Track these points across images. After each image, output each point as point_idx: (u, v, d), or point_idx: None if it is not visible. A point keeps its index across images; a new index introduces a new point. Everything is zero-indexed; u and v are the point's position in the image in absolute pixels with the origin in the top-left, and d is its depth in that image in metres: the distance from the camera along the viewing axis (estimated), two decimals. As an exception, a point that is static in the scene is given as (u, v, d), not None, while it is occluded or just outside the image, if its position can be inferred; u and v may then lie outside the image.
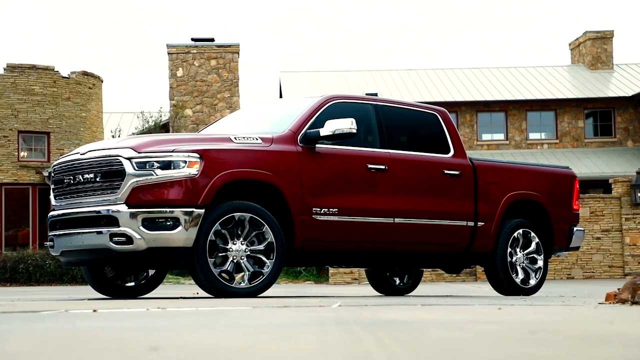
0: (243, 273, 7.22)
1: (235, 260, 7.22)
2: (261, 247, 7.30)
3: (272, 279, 7.34)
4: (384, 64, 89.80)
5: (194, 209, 7.01)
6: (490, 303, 6.25)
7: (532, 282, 9.44)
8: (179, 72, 31.01)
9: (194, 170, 7.03)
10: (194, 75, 31.03)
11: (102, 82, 28.91)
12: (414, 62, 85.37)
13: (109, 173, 7.15)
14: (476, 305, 5.78)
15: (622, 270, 23.38)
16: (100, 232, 7.12)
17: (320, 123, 7.90)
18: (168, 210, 6.99)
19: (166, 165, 7.03)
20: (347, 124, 7.66)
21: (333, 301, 6.19)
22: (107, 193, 7.14)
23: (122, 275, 8.41)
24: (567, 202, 9.96)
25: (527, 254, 9.46)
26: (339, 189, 7.90)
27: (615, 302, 5.86)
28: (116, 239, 7.04)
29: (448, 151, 9.01)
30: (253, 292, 7.24)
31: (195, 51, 31.16)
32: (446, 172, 8.81)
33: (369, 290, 11.72)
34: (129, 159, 7.06)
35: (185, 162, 7.04)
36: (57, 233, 7.64)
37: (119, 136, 29.88)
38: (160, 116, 31.35)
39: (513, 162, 10.29)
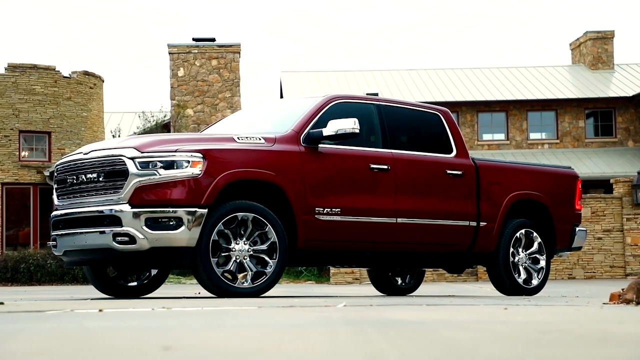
0: (246, 273, 7.21)
1: (238, 260, 7.21)
2: (264, 247, 7.29)
3: (274, 279, 7.33)
4: (384, 64, 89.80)
5: (197, 209, 6.99)
6: (494, 303, 6.25)
7: (535, 282, 9.42)
8: (180, 72, 31.01)
9: (197, 170, 7.02)
10: (195, 75, 31.02)
11: (103, 81, 28.91)
12: (414, 62, 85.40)
13: (112, 173, 7.14)
14: (481, 305, 5.78)
15: (624, 271, 23.37)
16: (103, 232, 7.11)
17: (322, 123, 7.88)
18: (171, 210, 6.97)
19: (169, 165, 7.02)
20: (349, 124, 7.65)
21: (338, 301, 6.19)
22: (110, 193, 7.12)
23: (125, 275, 8.40)
24: (569, 202, 9.95)
25: (529, 254, 9.45)
26: (342, 189, 7.89)
27: (620, 302, 5.85)
28: (119, 238, 7.03)
29: (450, 151, 8.99)
30: (256, 292, 7.23)
31: (196, 51, 31.15)
32: (449, 172, 8.79)
33: (371, 290, 11.71)
34: (132, 158, 7.04)
35: (188, 162, 7.03)
36: (60, 233, 7.63)
37: (119, 136, 29.86)
38: (165, 116, 31.34)
39: (515, 162, 10.27)
